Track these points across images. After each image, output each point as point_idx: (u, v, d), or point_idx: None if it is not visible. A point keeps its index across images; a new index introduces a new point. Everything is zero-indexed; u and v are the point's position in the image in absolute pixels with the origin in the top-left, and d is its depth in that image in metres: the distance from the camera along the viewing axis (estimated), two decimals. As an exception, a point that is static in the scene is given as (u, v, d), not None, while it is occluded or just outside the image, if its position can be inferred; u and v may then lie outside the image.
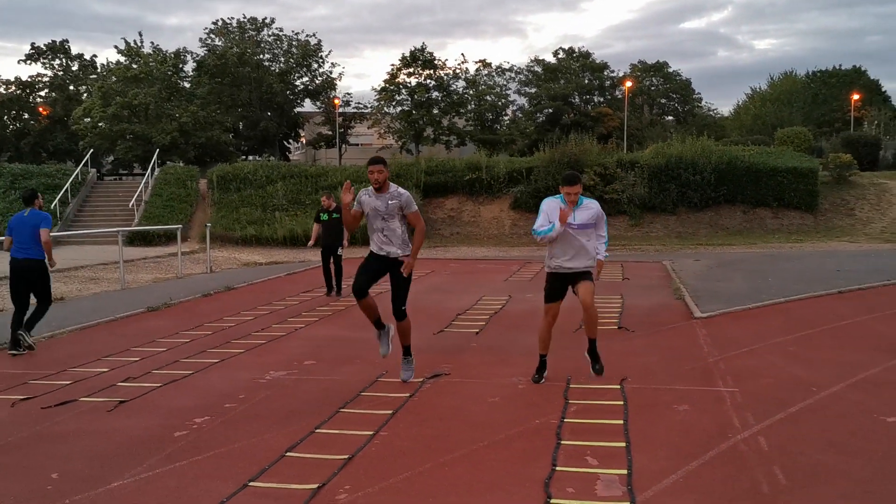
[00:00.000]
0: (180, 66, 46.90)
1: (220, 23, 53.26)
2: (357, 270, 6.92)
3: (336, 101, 53.56)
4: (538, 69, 59.93)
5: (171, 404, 6.47)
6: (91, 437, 5.65)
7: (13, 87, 51.11)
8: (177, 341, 9.25)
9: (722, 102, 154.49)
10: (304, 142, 62.26)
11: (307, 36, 54.60)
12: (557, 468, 4.87)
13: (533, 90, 58.88)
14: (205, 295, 13.39)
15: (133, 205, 26.83)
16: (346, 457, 5.11)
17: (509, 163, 29.35)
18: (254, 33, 53.14)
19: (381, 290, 8.03)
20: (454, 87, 54.29)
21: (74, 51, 56.99)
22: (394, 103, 53.65)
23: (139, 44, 46.46)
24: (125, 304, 12.17)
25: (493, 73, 56.96)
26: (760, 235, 25.83)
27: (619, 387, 6.81)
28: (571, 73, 59.49)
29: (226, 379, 7.36)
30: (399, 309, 6.93)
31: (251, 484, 4.68)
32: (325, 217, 13.37)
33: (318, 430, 5.71)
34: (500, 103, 56.75)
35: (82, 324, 10.47)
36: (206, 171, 32.33)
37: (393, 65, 57.69)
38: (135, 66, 44.38)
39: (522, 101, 60.09)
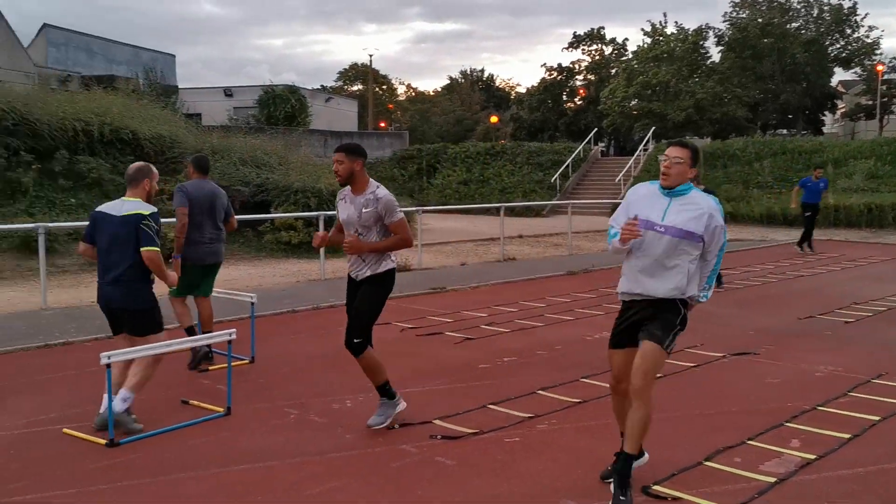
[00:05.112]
0: (700, 42, 47.65)
1: (747, -6, 52.45)
2: (347, 305, 5.50)
3: (879, 68, 48.57)
4: None
5: (502, 346, 7.84)
6: (413, 357, 7.26)
7: (555, 73, 57.72)
8: (560, 300, 10.67)
9: None
10: (841, 114, 57.74)
11: (841, -1, 50.50)
12: (748, 442, 5.05)
13: None
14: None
15: (620, 180, 28.97)
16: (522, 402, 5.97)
17: None
18: (783, 1, 51.04)
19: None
20: None
21: (611, 35, 62.10)
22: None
23: (663, 24, 48.59)
24: (554, 267, 14.04)
25: None
26: None
27: (926, 389, 6.24)
28: None
29: (561, 335, 8.51)
30: (351, 341, 5.24)
31: (435, 421, 5.50)
32: None
33: (539, 391, 6.19)
34: None
35: (505, 279, 12.57)
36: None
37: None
38: (661, 44, 46.57)
39: None
